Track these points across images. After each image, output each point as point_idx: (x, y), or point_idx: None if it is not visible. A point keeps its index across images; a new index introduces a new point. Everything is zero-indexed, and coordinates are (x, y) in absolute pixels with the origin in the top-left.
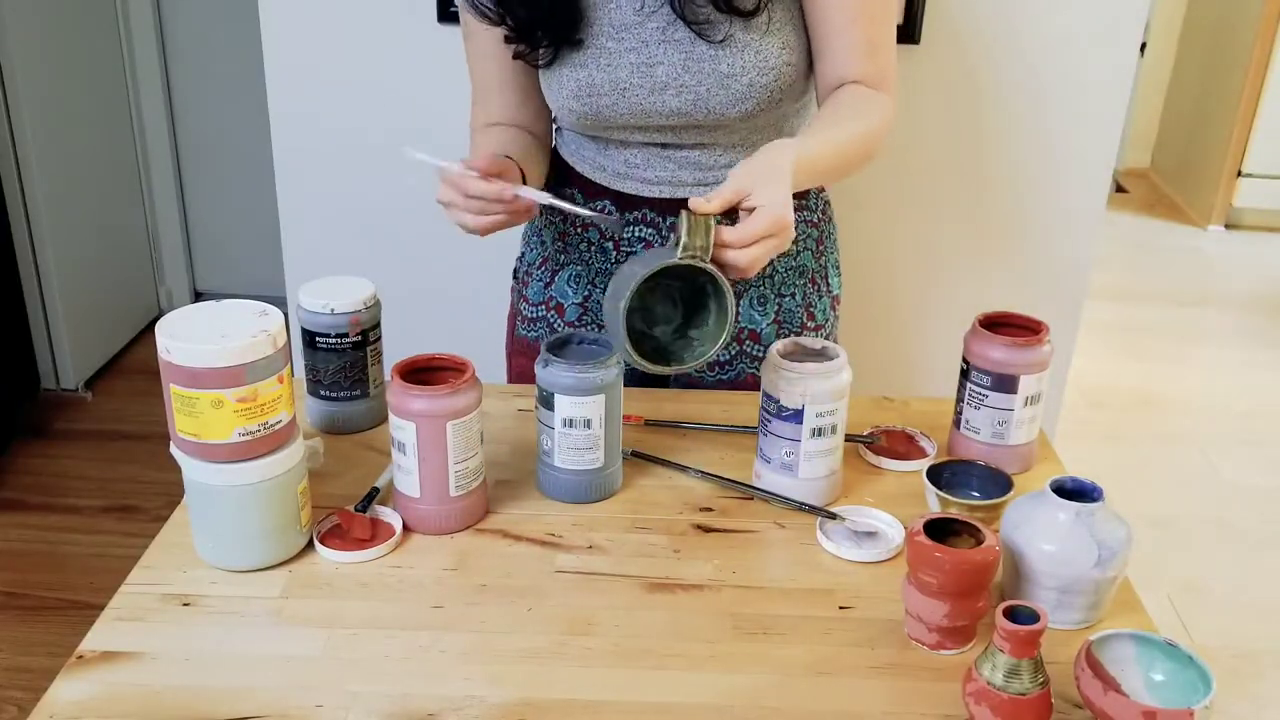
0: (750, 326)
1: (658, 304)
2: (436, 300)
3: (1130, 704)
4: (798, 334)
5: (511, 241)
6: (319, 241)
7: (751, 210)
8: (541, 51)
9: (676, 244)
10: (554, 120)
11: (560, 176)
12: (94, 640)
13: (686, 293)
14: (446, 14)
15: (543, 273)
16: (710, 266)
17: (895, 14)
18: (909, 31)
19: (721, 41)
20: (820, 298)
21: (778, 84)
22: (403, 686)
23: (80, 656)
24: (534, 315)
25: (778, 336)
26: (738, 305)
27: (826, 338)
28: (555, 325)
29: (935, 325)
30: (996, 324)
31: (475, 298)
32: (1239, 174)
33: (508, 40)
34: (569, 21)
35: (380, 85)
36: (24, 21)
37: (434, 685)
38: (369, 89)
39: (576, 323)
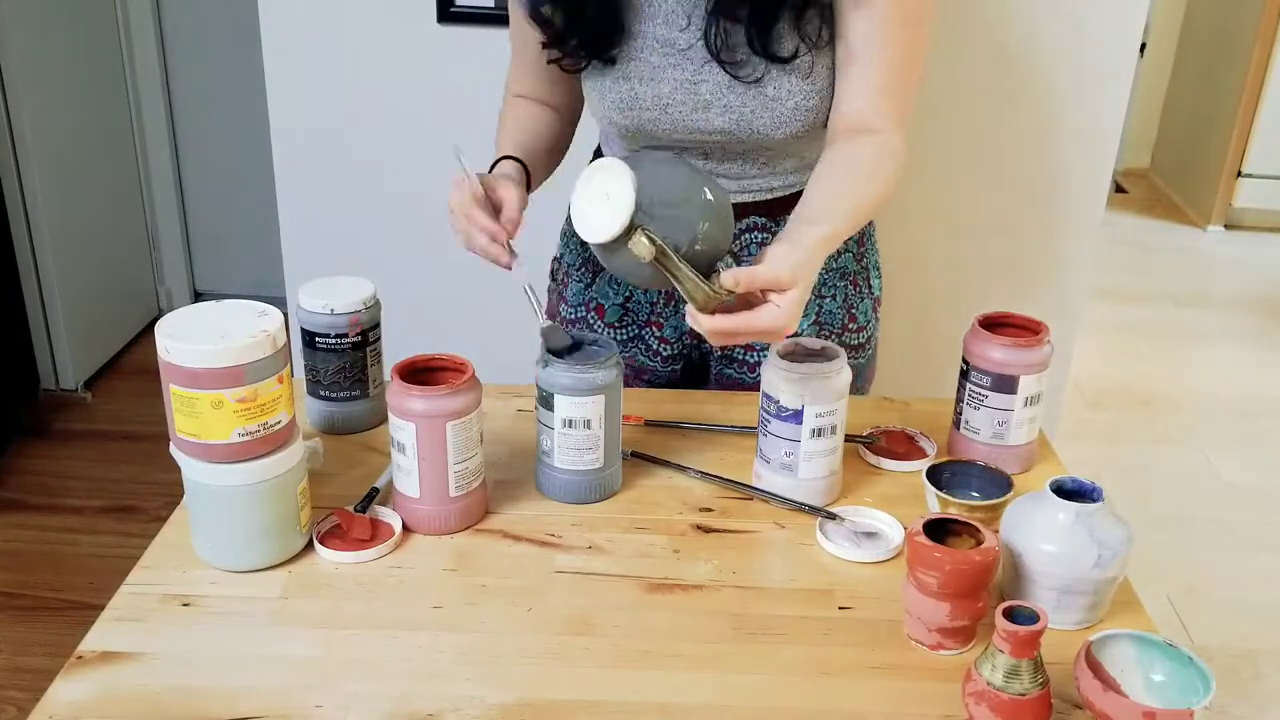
0: None
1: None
2: (436, 300)
3: (1130, 704)
4: (839, 336)
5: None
6: (319, 241)
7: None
8: (576, 60)
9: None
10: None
11: None
12: (93, 640)
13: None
14: (446, 14)
15: (583, 274)
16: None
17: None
18: None
19: (758, 80)
20: (862, 299)
21: (824, 106)
22: (403, 686)
23: (80, 657)
24: (574, 317)
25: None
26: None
27: (868, 340)
28: (595, 326)
29: (935, 325)
30: (996, 324)
31: (475, 298)
32: (1239, 174)
33: (544, 46)
34: (607, 36)
35: (380, 86)
36: (24, 21)
37: (434, 685)
38: (369, 90)
39: (617, 324)
